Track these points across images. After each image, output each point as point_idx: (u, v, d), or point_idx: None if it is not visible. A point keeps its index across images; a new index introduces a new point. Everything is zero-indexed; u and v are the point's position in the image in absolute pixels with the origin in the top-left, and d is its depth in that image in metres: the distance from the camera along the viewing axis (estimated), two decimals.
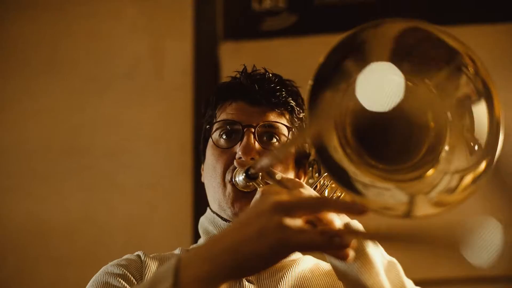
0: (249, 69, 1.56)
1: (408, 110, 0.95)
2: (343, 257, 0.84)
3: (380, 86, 0.90)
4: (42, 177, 2.67)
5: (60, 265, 2.57)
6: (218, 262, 0.83)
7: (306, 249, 0.84)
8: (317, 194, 1.20)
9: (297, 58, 2.56)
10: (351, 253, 0.84)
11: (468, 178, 0.90)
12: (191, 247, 1.55)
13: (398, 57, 0.91)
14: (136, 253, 1.47)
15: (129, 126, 2.73)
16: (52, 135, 2.73)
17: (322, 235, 0.80)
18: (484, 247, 0.65)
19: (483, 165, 0.90)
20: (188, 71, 2.80)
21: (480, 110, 0.91)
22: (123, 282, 1.31)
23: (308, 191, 1.15)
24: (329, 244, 0.81)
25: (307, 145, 1.53)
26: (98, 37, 2.86)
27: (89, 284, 1.34)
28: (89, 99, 2.77)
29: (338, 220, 1.00)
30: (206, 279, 0.84)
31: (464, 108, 0.92)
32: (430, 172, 0.92)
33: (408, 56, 0.92)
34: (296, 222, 0.81)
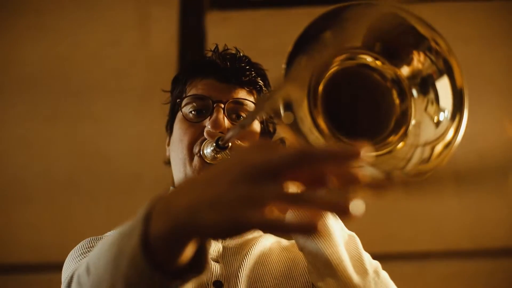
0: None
1: (375, 88, 0.99)
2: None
3: None
4: (25, 143, 2.67)
5: (42, 230, 2.58)
6: (178, 221, 0.74)
7: (259, 229, 0.71)
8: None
9: (282, 29, 2.54)
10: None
11: (439, 147, 0.94)
12: None
13: (372, 39, 0.95)
14: (109, 233, 1.47)
15: (113, 94, 2.72)
16: (36, 101, 2.71)
17: (278, 220, 0.70)
18: None
19: (451, 132, 0.94)
20: (173, 40, 2.79)
21: (443, 85, 0.96)
22: None
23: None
24: (285, 229, 0.71)
25: (271, 125, 1.57)
26: (84, 4, 2.83)
27: (70, 253, 1.36)
28: (75, 66, 2.75)
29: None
30: (169, 237, 0.75)
31: (428, 84, 0.96)
32: (400, 145, 0.95)
33: (381, 39, 0.96)
34: (260, 198, 0.69)
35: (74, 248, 1.38)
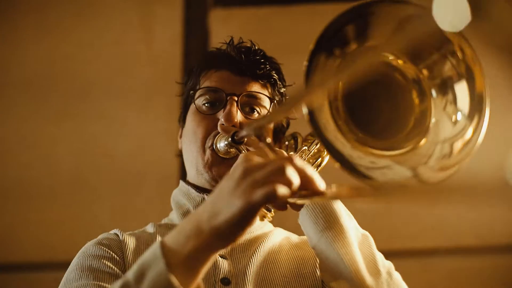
0: (238, 39, 1.57)
1: (395, 86, 0.98)
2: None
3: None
4: (30, 142, 2.67)
5: (48, 229, 2.58)
6: (202, 236, 0.84)
7: (269, 202, 0.82)
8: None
9: (286, 27, 2.55)
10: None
11: (459, 144, 0.94)
12: (163, 221, 1.53)
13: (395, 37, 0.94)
14: (113, 231, 1.41)
15: (118, 93, 2.72)
16: (41, 101, 2.71)
17: (286, 191, 0.80)
18: None
19: (470, 131, 0.93)
20: (177, 39, 2.78)
21: (462, 87, 0.94)
22: (109, 264, 1.25)
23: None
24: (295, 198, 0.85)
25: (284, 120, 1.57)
26: (87, 3, 2.83)
27: (71, 268, 1.26)
28: (78, 65, 2.75)
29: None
30: (195, 255, 0.85)
31: (447, 86, 0.95)
32: (423, 142, 0.95)
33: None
34: (264, 177, 0.81)
35: (75, 261, 1.29)
